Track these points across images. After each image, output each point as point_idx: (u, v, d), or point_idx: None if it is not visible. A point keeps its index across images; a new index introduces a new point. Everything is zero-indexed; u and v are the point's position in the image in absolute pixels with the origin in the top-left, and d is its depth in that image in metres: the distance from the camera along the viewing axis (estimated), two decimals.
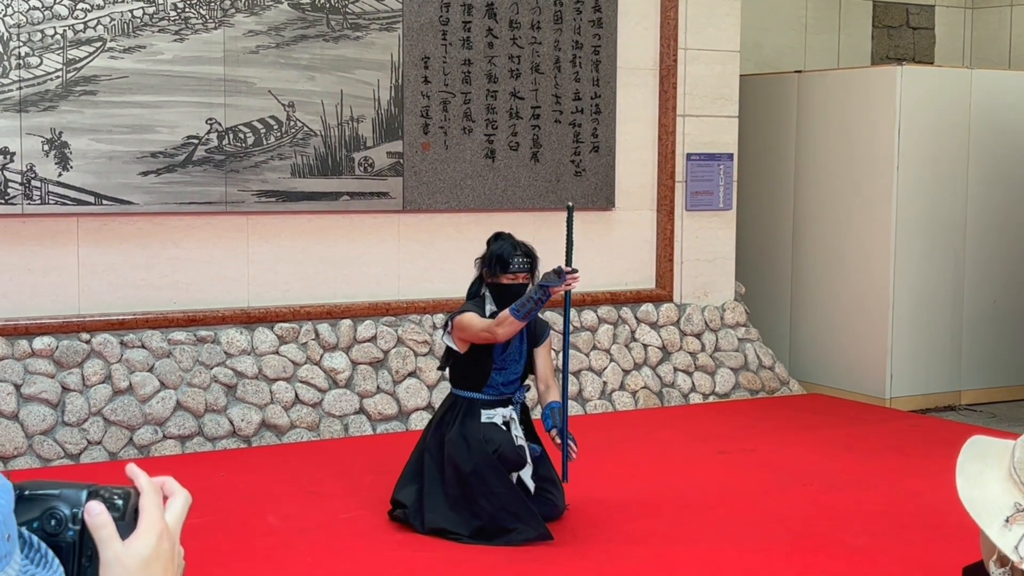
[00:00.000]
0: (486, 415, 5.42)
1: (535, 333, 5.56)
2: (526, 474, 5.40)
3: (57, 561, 1.25)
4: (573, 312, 8.30)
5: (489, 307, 5.44)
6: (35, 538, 1.25)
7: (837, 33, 11.03)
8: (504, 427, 5.43)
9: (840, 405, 8.49)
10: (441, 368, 5.73)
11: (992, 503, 1.63)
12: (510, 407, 5.49)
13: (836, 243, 8.99)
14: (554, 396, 5.52)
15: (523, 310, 5.14)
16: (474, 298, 5.52)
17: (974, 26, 11.73)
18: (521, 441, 5.41)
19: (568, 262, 5.28)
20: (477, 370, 5.41)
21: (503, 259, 5.40)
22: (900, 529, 5.42)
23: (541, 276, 5.24)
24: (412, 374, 7.65)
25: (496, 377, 5.45)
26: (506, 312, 5.18)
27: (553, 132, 8.17)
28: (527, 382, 5.61)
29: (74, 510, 1.28)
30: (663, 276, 8.67)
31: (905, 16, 11.14)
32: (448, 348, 5.51)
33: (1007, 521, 1.60)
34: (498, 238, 5.56)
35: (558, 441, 5.36)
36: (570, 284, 5.15)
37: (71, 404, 6.72)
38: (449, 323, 5.44)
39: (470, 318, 5.31)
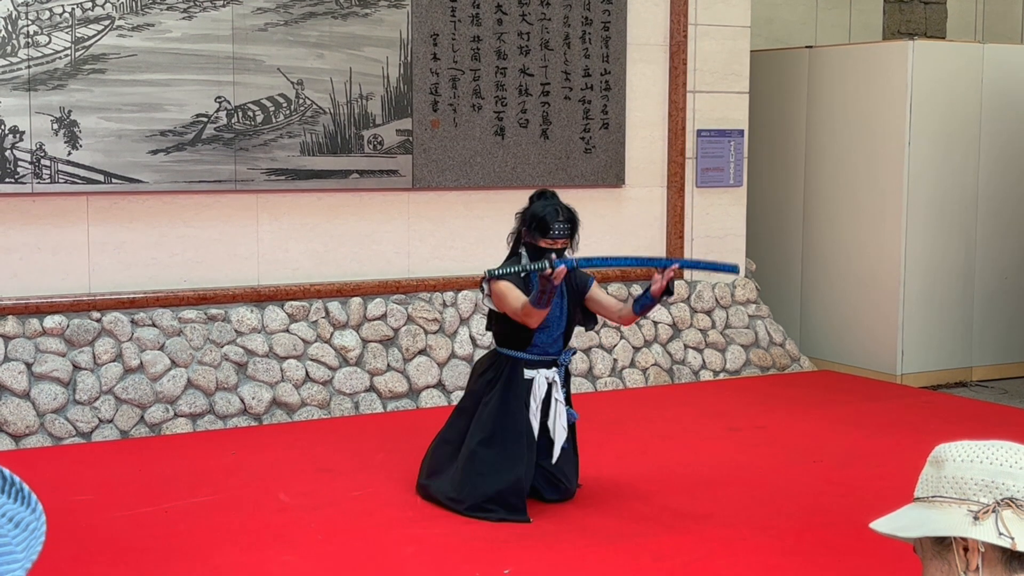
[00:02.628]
0: (528, 374, 5.36)
1: (576, 287, 5.44)
2: (559, 440, 5.37)
3: (40, 506, 1.24)
4: None
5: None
6: (15, 477, 1.24)
7: (848, 8, 10.98)
8: (544, 393, 5.35)
9: (851, 382, 8.48)
10: (488, 328, 5.59)
11: (938, 521, 1.89)
12: (554, 369, 5.41)
13: (847, 219, 8.97)
14: (628, 311, 5.39)
15: (538, 300, 5.05)
16: (512, 256, 5.41)
17: (986, 1, 11.66)
18: (559, 416, 5.38)
19: (550, 264, 5.01)
20: (520, 329, 5.29)
21: (544, 223, 5.24)
22: None
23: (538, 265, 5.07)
24: (422, 352, 7.65)
25: (540, 336, 5.36)
26: (528, 303, 5.10)
27: (563, 109, 8.15)
28: (572, 345, 5.50)
29: None
30: (673, 253, 8.65)
31: None
32: (491, 308, 5.40)
33: (976, 519, 1.85)
34: (542, 196, 5.40)
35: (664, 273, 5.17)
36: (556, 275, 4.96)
37: (82, 383, 6.74)
38: (486, 285, 5.31)
39: (506, 289, 5.23)
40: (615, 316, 5.50)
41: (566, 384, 5.54)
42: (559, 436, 5.39)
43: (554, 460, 5.38)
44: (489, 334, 5.91)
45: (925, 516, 1.91)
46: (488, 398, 5.39)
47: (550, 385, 5.40)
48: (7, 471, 1.25)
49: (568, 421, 5.45)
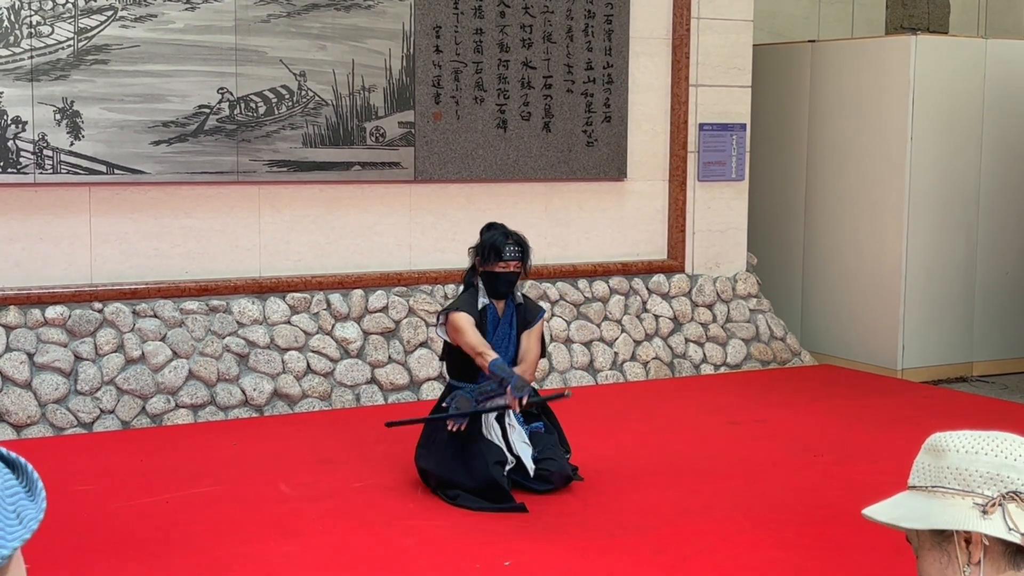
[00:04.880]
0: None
1: (525, 318, 5.62)
2: (526, 456, 5.44)
3: (44, 504, 1.28)
4: (584, 282, 8.31)
5: (482, 300, 5.53)
6: (34, 472, 1.28)
7: (851, 2, 10.96)
8: (496, 422, 5.48)
9: (852, 376, 8.48)
10: (442, 359, 5.87)
11: (943, 514, 1.84)
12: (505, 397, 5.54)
13: (848, 214, 8.97)
14: (518, 369, 5.51)
15: (490, 381, 5.34)
16: (469, 288, 5.61)
17: None
18: (518, 437, 5.47)
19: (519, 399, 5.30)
20: (470, 361, 5.47)
21: (496, 248, 5.48)
22: None
23: (513, 380, 5.27)
24: (423, 344, 7.65)
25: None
26: (486, 361, 5.30)
27: (565, 102, 8.14)
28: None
29: None
30: (675, 247, 8.65)
31: None
32: (445, 340, 5.61)
33: (984, 513, 1.79)
34: (491, 227, 5.63)
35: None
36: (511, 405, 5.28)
37: (84, 373, 6.75)
38: (442, 316, 5.55)
39: (463, 322, 5.42)
40: (518, 355, 5.65)
41: (533, 397, 5.65)
42: (524, 453, 5.47)
43: (532, 474, 5.43)
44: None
45: (927, 507, 1.87)
46: (444, 432, 5.49)
47: (501, 413, 5.52)
48: (29, 466, 1.29)
49: (538, 431, 5.59)
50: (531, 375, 5.56)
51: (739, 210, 8.95)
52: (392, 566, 4.63)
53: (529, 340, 5.63)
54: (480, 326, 5.48)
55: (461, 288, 5.78)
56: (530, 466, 5.44)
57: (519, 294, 5.65)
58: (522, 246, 5.55)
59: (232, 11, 7.12)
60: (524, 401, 5.26)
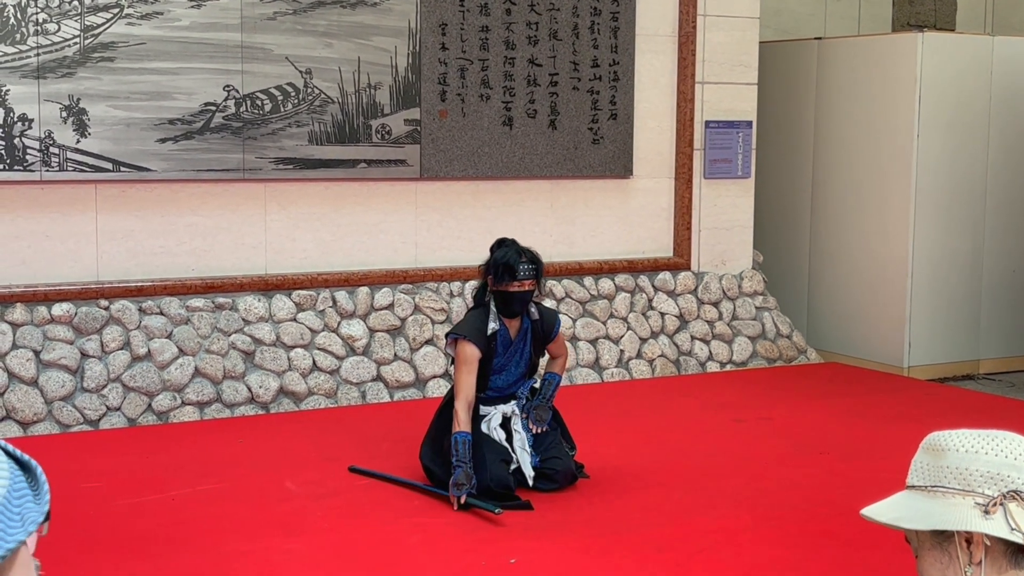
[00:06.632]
0: (484, 410, 5.49)
1: (544, 332, 5.57)
2: (525, 464, 5.44)
3: (47, 497, 1.31)
4: (590, 280, 8.30)
5: (492, 324, 5.41)
6: (39, 469, 1.31)
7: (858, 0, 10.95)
8: (502, 428, 5.48)
9: (858, 374, 8.47)
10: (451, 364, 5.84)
11: (945, 514, 1.83)
12: (512, 403, 5.54)
13: (855, 211, 8.96)
14: (556, 368, 5.66)
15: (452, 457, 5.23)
16: (479, 307, 5.49)
17: None
18: (519, 443, 5.46)
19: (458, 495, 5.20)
20: (481, 373, 5.41)
21: (510, 267, 5.32)
22: None
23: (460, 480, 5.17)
24: (429, 342, 7.66)
25: (497, 380, 5.51)
26: (458, 419, 5.24)
27: (571, 99, 8.14)
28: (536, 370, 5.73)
29: None
30: (681, 244, 8.65)
31: None
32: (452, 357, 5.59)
33: (986, 513, 1.78)
34: (502, 244, 5.47)
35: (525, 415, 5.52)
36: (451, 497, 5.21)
37: (90, 370, 6.76)
38: (451, 338, 5.45)
39: (466, 358, 5.33)
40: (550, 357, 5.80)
41: (542, 390, 5.63)
42: (523, 461, 5.45)
43: (530, 483, 5.42)
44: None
45: (927, 507, 1.86)
46: (448, 437, 5.44)
47: (507, 418, 5.52)
48: (39, 468, 1.32)
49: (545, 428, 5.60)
50: (564, 365, 5.75)
51: (745, 207, 8.94)
52: (397, 564, 4.64)
53: (555, 347, 5.69)
54: (488, 351, 5.40)
55: (472, 303, 5.66)
56: (529, 474, 5.42)
57: (533, 309, 5.52)
58: (536, 263, 5.38)
59: (238, 8, 7.13)
60: (462, 500, 5.12)
